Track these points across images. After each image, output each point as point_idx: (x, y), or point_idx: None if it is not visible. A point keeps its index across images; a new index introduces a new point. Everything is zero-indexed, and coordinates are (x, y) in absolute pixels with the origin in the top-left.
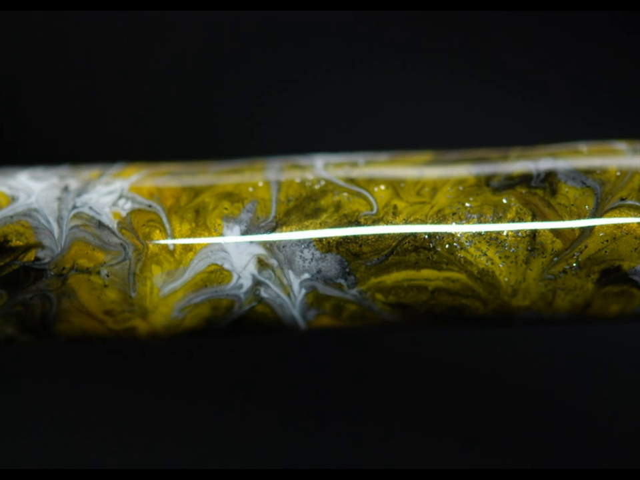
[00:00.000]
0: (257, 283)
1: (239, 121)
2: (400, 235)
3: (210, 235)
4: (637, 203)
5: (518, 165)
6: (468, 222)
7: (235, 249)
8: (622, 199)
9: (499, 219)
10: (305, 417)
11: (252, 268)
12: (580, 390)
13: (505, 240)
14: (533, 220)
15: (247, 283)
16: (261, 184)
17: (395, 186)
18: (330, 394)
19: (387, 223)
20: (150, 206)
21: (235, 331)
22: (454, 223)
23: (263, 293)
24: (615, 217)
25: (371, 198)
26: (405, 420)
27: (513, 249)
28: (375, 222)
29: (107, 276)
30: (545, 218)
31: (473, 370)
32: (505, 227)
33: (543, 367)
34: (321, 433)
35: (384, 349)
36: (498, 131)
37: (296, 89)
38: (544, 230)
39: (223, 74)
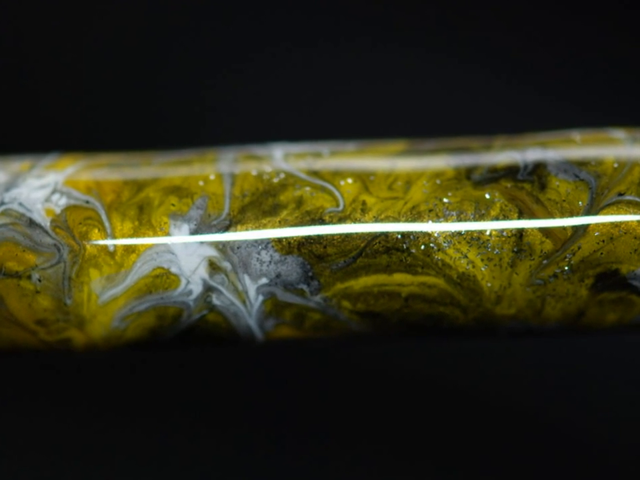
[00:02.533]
0: (208, 289)
1: (187, 106)
2: (369, 234)
3: (155, 234)
4: (637, 199)
5: (502, 156)
6: (446, 220)
7: (184, 250)
8: (620, 194)
9: (481, 217)
10: (262, 440)
11: (202, 272)
12: (573, 409)
13: (488, 240)
14: (519, 218)
15: (196, 288)
16: (212, 177)
17: (364, 179)
18: (290, 414)
19: (355, 221)
20: (87, 202)
21: (183, 343)
22: (430, 221)
23: (215, 300)
24: (612, 214)
25: (336, 193)
26: (375, 444)
27: (497, 250)
28: (342, 220)
29: (39, 281)
30: (532, 215)
31: (451, 387)
32: (488, 226)
33: (531, 384)
34: (279, 458)
35: (351, 363)
36: (480, 117)
37: (251, 68)
38: (532, 229)
39: (169, 52)
